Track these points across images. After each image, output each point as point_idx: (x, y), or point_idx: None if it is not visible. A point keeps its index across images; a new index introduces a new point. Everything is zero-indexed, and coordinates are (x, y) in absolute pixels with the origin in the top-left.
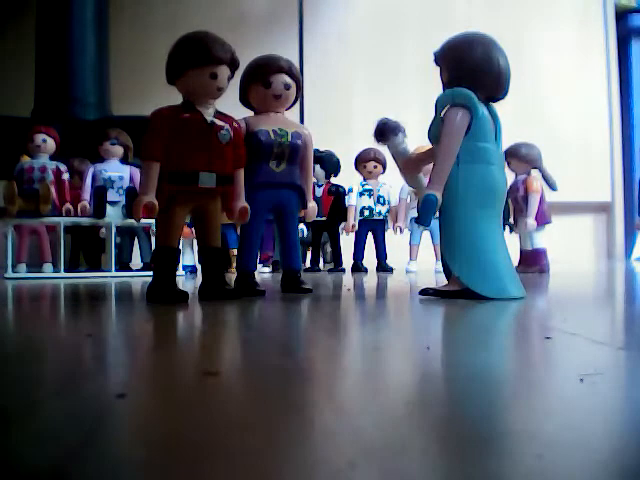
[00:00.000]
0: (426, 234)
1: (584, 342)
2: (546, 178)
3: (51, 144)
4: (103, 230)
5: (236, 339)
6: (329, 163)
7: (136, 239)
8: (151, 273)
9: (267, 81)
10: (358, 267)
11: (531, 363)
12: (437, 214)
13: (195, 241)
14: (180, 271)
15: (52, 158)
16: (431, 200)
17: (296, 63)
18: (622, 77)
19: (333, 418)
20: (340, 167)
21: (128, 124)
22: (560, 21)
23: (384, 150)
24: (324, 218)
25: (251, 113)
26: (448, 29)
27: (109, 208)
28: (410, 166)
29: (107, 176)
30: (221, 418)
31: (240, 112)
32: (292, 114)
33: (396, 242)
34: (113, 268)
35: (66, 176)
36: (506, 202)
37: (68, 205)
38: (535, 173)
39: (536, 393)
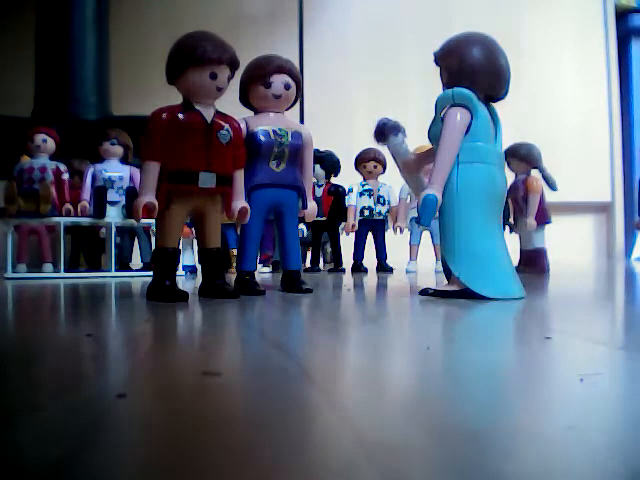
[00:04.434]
0: (426, 234)
1: (584, 342)
2: (546, 178)
3: (51, 144)
4: (103, 230)
5: (236, 339)
6: (329, 163)
7: (136, 239)
8: (151, 273)
9: (267, 81)
10: (358, 267)
11: (531, 363)
12: (437, 214)
13: (195, 241)
14: (180, 271)
15: (52, 158)
16: (431, 200)
17: (296, 63)
18: (622, 77)
19: (333, 418)
20: (340, 167)
21: (128, 124)
22: (560, 21)
23: (384, 150)
24: (324, 218)
25: (251, 113)
26: (448, 29)
27: (109, 208)
28: (410, 166)
29: (107, 176)
30: (221, 418)
31: (240, 112)
32: (292, 114)
33: (396, 242)
34: (113, 268)
35: (66, 176)
36: (506, 202)
37: (68, 205)
38: (535, 173)
39: (536, 393)
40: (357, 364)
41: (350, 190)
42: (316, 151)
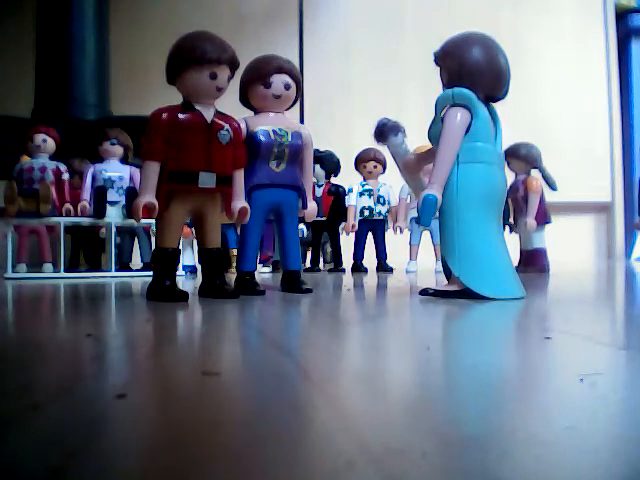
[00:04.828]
0: (426, 234)
1: (584, 342)
2: (546, 178)
3: (51, 144)
4: (103, 230)
5: (236, 339)
6: (329, 163)
7: (136, 239)
8: (151, 273)
9: (267, 81)
10: (358, 267)
11: (531, 363)
12: (437, 214)
13: (195, 241)
14: (180, 271)
15: (52, 158)
16: (430, 200)
17: (296, 63)
18: (622, 77)
19: (332, 418)
20: (340, 167)
21: (128, 124)
22: (560, 21)
23: (384, 150)
24: (324, 218)
25: (251, 113)
26: (448, 29)
27: (109, 208)
28: (410, 166)
29: (107, 176)
30: (221, 418)
31: (240, 112)
32: (292, 114)
33: (396, 242)
34: (113, 268)
35: (66, 176)
36: (506, 202)
37: (68, 205)
38: (535, 173)
39: (536, 393)
40: (357, 364)
41: (350, 190)
42: (316, 151)
